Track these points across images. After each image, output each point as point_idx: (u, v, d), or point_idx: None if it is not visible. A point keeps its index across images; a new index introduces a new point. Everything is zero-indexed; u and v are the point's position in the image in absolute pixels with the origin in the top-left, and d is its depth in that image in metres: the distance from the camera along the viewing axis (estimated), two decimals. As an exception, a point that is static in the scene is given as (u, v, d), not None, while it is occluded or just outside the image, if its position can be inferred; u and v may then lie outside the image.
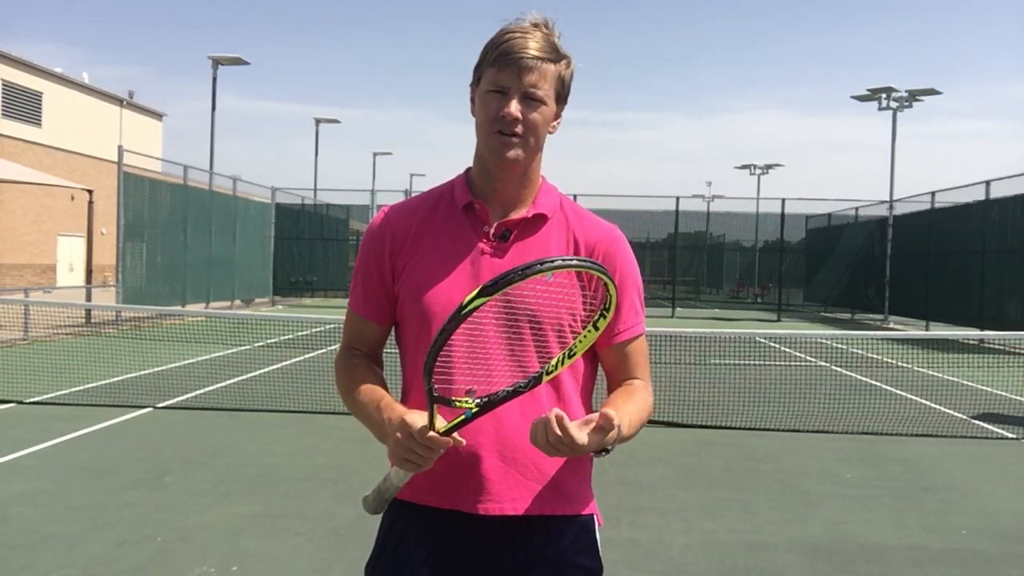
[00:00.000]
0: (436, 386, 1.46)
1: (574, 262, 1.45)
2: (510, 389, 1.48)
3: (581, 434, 1.42)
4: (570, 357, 1.52)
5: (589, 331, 1.52)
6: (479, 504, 1.62)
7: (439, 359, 1.50)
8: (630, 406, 1.62)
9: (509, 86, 1.61)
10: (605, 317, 1.51)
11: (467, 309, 1.39)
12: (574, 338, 1.59)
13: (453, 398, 1.47)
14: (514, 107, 1.61)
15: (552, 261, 1.40)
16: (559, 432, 1.40)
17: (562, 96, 1.68)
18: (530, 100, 1.62)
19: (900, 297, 24.31)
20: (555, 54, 1.64)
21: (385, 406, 1.63)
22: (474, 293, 1.39)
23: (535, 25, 1.65)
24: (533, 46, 1.61)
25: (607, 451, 1.51)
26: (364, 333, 1.78)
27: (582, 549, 1.68)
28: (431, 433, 1.46)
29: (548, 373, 1.51)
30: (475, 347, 1.60)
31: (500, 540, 1.64)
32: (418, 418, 1.49)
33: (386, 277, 1.72)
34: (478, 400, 1.48)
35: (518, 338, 1.62)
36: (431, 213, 1.74)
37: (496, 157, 1.65)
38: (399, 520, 1.69)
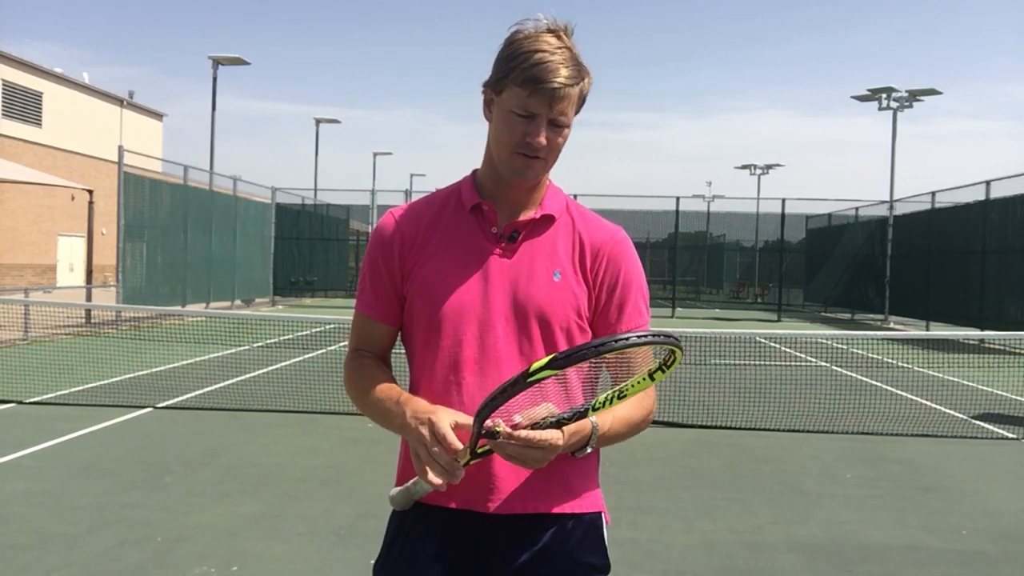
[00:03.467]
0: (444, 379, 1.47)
1: (648, 338, 1.38)
2: (553, 420, 1.46)
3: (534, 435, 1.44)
4: (620, 398, 1.48)
5: (644, 379, 1.47)
6: (488, 503, 1.63)
7: (453, 359, 1.51)
8: (617, 409, 1.61)
9: (538, 112, 1.59)
10: (664, 372, 1.46)
11: (533, 378, 1.37)
12: (584, 339, 1.64)
13: (493, 427, 1.45)
14: (542, 137, 1.60)
15: (627, 338, 1.35)
16: (520, 445, 1.44)
17: (579, 110, 1.67)
18: (556, 126, 1.62)
19: (900, 297, 24.31)
20: (580, 75, 1.60)
21: (405, 401, 1.60)
22: (543, 362, 1.36)
23: (555, 34, 1.60)
24: (564, 73, 1.57)
25: (575, 453, 1.58)
26: (374, 335, 1.76)
27: (590, 547, 1.68)
28: (460, 470, 1.49)
29: (595, 409, 1.49)
30: (485, 344, 1.61)
31: (509, 538, 1.64)
32: (446, 417, 1.50)
33: (396, 277, 1.71)
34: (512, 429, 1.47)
35: (527, 337, 1.64)
36: (439, 215, 1.73)
37: (518, 177, 1.66)
38: (407, 520, 1.69)
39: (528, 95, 1.58)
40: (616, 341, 1.34)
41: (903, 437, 7.67)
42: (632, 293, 1.72)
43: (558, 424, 1.46)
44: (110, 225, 24.96)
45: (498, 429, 1.43)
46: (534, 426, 1.45)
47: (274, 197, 27.77)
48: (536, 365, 1.36)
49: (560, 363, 1.35)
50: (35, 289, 22.08)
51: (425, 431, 1.49)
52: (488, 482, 1.62)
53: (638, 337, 1.36)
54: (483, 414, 1.42)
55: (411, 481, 1.62)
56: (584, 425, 1.54)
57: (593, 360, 1.39)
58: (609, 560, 1.72)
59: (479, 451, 1.49)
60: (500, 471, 1.62)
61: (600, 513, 1.73)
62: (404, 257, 1.71)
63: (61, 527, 4.68)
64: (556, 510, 1.65)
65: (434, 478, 1.49)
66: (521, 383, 1.37)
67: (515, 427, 1.44)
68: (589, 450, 1.59)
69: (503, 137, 1.63)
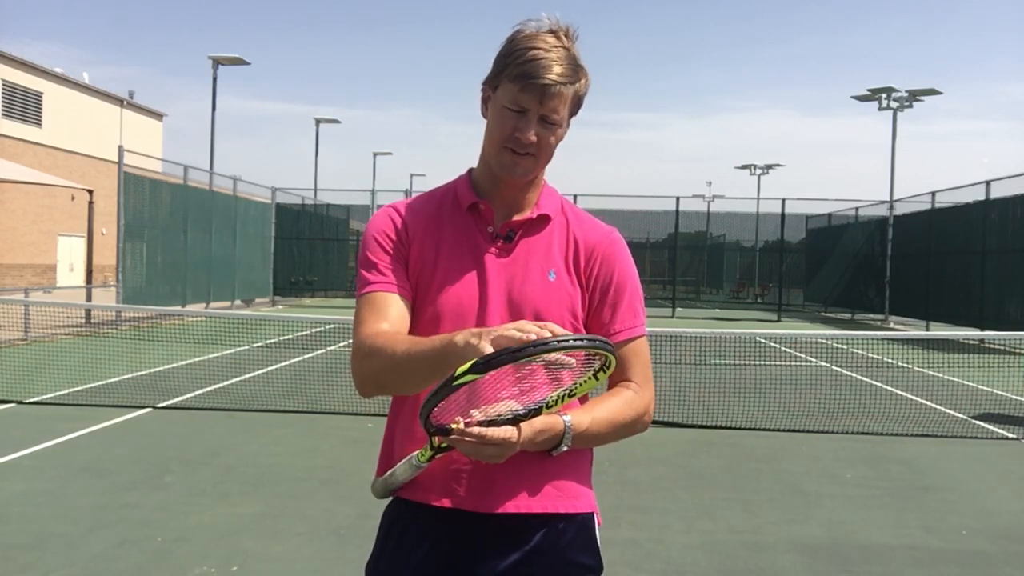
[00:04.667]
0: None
1: (570, 342, 1.36)
2: (509, 416, 1.47)
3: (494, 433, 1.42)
4: (570, 396, 1.50)
5: (590, 379, 1.48)
6: (480, 502, 1.62)
7: None
8: (598, 409, 1.62)
9: (528, 108, 1.60)
10: (606, 372, 1.47)
11: (458, 382, 1.36)
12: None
13: (451, 424, 1.45)
14: (532, 133, 1.61)
15: (547, 344, 1.34)
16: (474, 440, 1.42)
17: (575, 111, 1.68)
18: (547, 123, 1.62)
19: (900, 297, 24.31)
20: (575, 74, 1.61)
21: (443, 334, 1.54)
22: (466, 367, 1.35)
23: (555, 34, 1.61)
24: (557, 70, 1.57)
25: (551, 451, 1.57)
26: (395, 310, 1.64)
27: (582, 547, 1.68)
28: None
29: (547, 407, 1.49)
30: None
31: (500, 538, 1.63)
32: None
33: (403, 254, 1.70)
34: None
35: None
36: (436, 213, 1.74)
37: (506, 173, 1.66)
38: (399, 519, 1.69)
39: (519, 90, 1.59)
40: (535, 347, 1.35)
41: (903, 437, 7.67)
42: (626, 294, 1.72)
43: (514, 421, 1.47)
44: (110, 225, 24.95)
45: (452, 426, 1.44)
46: (491, 422, 1.45)
47: (274, 197, 27.78)
48: (460, 370, 1.36)
49: (480, 368, 1.36)
50: (35, 289, 22.08)
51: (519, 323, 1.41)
52: (480, 482, 1.62)
53: (558, 342, 1.36)
54: (421, 416, 1.44)
55: (388, 472, 1.64)
56: (554, 424, 1.53)
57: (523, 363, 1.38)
58: (602, 560, 1.72)
59: (441, 446, 1.51)
60: (493, 470, 1.61)
61: (592, 514, 1.72)
62: (407, 249, 1.71)
63: (61, 527, 4.68)
64: (548, 510, 1.65)
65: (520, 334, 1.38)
66: (448, 387, 1.38)
67: (470, 423, 1.44)
68: (564, 448, 1.58)
69: (494, 132, 1.64)
